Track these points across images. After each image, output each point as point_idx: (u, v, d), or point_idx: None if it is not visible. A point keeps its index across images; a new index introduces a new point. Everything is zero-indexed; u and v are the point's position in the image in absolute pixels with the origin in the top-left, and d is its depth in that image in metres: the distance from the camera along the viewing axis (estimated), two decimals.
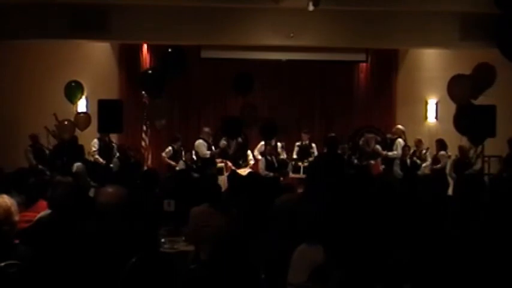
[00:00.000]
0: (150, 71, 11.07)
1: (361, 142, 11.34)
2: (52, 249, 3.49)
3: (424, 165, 11.01)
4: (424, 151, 11.20)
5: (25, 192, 5.09)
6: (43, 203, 4.86)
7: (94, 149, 10.90)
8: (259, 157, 11.52)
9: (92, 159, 10.84)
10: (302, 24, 11.09)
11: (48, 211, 4.44)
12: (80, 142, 10.88)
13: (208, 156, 11.23)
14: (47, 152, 10.92)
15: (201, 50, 12.98)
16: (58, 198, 3.88)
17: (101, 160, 10.81)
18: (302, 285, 3.35)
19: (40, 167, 10.32)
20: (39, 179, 5.48)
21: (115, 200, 3.75)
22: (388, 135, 11.69)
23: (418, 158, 11.14)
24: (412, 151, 11.28)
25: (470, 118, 9.47)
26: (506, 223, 3.69)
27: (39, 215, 4.52)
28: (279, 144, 11.58)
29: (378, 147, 11.32)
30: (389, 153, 11.29)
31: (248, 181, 6.61)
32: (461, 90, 10.06)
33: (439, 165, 10.82)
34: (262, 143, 11.64)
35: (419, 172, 10.78)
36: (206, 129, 11.54)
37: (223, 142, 11.39)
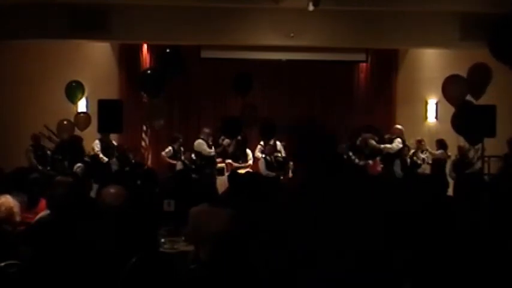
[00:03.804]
0: (149, 71, 11.06)
1: (358, 142, 11.32)
2: (52, 249, 3.49)
3: (424, 165, 11.00)
4: (426, 152, 11.18)
5: (26, 189, 5.04)
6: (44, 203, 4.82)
7: (97, 149, 10.89)
8: (260, 155, 11.51)
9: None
10: (302, 24, 11.08)
11: (47, 211, 4.43)
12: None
13: (212, 154, 11.20)
14: (48, 152, 10.91)
15: (201, 50, 12.97)
16: (57, 198, 3.88)
17: (105, 159, 10.78)
18: None
19: (40, 167, 10.31)
20: (41, 176, 5.44)
21: (117, 200, 3.75)
22: (387, 136, 11.67)
23: (419, 158, 11.13)
24: (412, 151, 11.28)
25: (468, 118, 9.49)
26: (507, 223, 3.69)
27: (38, 216, 4.51)
28: (278, 143, 11.56)
29: (373, 142, 11.18)
30: (386, 145, 11.26)
31: (248, 181, 6.60)
32: (455, 91, 10.11)
33: (438, 152, 10.78)
34: (262, 143, 11.63)
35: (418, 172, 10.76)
36: (206, 130, 11.50)
37: (226, 140, 11.38)
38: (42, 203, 4.88)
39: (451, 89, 10.23)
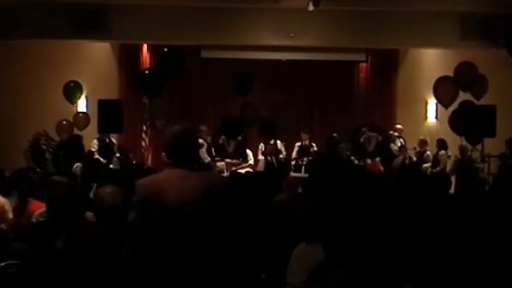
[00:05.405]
0: (147, 72, 11.06)
1: (362, 139, 11.31)
2: (50, 249, 3.48)
3: (425, 165, 11.00)
4: (428, 152, 11.20)
5: (18, 188, 4.99)
6: (37, 205, 4.76)
7: (94, 149, 10.87)
8: (261, 157, 11.49)
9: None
10: (302, 24, 11.09)
11: (43, 209, 4.40)
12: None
13: (207, 161, 11.05)
14: (47, 153, 10.90)
15: (201, 50, 12.96)
16: (55, 198, 3.87)
17: (102, 160, 10.77)
18: (301, 285, 3.34)
19: (38, 169, 10.29)
20: (34, 176, 5.40)
21: (115, 200, 3.75)
22: (391, 132, 11.74)
23: (420, 158, 11.14)
24: (415, 151, 11.30)
25: (468, 118, 9.51)
26: (507, 222, 3.68)
27: (36, 213, 4.49)
28: (278, 142, 11.53)
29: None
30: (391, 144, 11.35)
31: (248, 181, 6.59)
32: (444, 91, 10.15)
33: (438, 168, 10.80)
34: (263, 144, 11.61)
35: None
36: (203, 128, 11.42)
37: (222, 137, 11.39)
38: (32, 203, 4.82)
39: (442, 90, 10.29)
